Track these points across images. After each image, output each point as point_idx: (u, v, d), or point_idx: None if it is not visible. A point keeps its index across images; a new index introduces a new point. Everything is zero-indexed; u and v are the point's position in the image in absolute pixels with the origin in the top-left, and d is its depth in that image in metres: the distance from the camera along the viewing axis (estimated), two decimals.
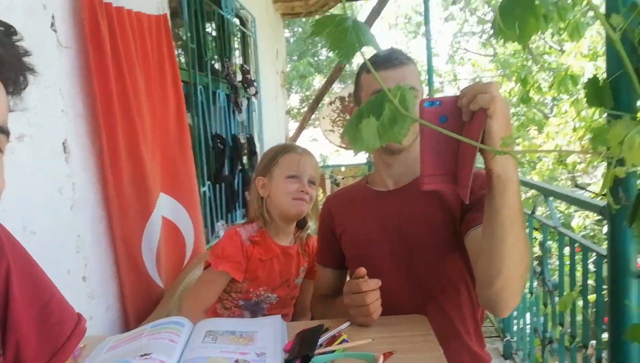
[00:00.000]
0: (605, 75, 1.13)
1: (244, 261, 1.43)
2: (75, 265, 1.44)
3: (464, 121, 0.83)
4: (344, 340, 1.00)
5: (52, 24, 1.42)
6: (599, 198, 4.12)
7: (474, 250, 1.04)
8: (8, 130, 0.57)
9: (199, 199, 2.15)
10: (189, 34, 2.52)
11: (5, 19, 1.22)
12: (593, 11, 0.84)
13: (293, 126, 5.98)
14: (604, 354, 1.46)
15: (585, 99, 1.09)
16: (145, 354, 0.92)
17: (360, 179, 1.42)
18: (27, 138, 1.29)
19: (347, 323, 1.09)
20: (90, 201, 1.55)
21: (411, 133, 1.16)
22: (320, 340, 1.00)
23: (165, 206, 1.91)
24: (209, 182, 2.56)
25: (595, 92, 1.05)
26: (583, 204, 1.55)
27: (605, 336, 1.20)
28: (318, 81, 11.82)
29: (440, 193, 1.18)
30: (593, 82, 1.07)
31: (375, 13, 4.76)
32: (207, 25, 3.00)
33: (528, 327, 2.19)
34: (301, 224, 1.54)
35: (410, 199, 1.21)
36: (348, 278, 1.23)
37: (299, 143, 5.59)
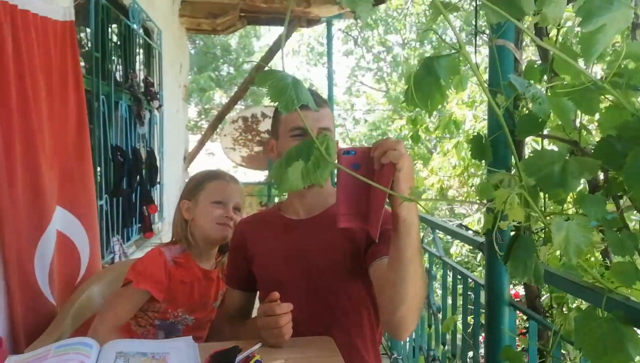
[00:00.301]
0: (486, 132, 1.33)
1: (165, 281, 1.43)
2: None
3: (375, 170, 0.96)
4: (257, 361, 1.05)
5: None
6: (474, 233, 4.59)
7: (378, 279, 1.15)
8: None
9: (96, 214, 2.06)
10: (93, 42, 2.43)
11: None
12: (482, 90, 1.02)
13: (191, 138, 5.87)
14: None
15: (469, 152, 1.29)
16: None
17: (274, 205, 1.49)
18: None
19: (259, 345, 1.13)
20: None
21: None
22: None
23: (61, 220, 1.81)
24: (106, 195, 2.46)
25: (478, 148, 1.25)
26: (465, 239, 1.76)
27: (481, 352, 1.38)
28: (218, 96, 11.72)
29: (349, 228, 1.28)
30: (477, 139, 1.26)
31: (278, 43, 4.91)
32: (112, 34, 2.90)
33: (414, 345, 2.38)
34: (223, 249, 1.57)
35: (319, 229, 1.29)
36: (258, 302, 1.29)
37: (199, 158, 5.50)
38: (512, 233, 1.16)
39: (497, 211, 1.02)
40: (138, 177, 2.87)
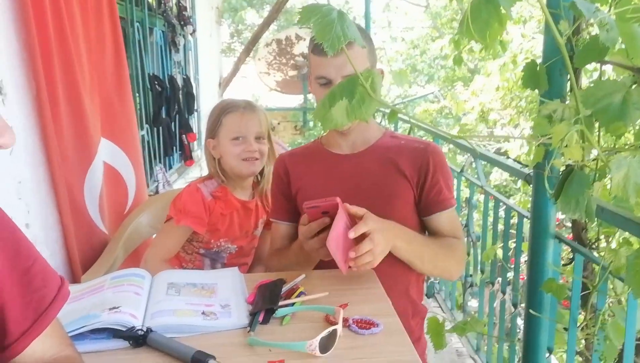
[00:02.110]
0: (540, 60, 1.24)
1: (205, 215, 1.47)
2: (17, 212, 1.39)
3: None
4: (301, 293, 1.08)
5: None
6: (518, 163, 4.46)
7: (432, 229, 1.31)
8: None
9: (139, 144, 2.09)
10: None
11: None
12: (542, 12, 0.93)
13: (225, 61, 5.79)
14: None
15: (516, 74, 1.20)
16: (114, 307, 0.94)
17: (315, 140, 1.47)
18: None
19: (303, 276, 1.16)
20: (30, 146, 1.47)
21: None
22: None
23: (107, 152, 1.85)
24: (147, 125, 2.49)
25: (531, 75, 1.17)
26: (510, 170, 1.71)
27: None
28: (250, 16, 11.39)
29: (396, 162, 1.28)
30: (531, 66, 1.18)
31: None
32: None
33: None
34: (260, 177, 1.58)
35: (367, 163, 1.30)
36: None
37: (234, 82, 5.44)
38: (564, 168, 1.11)
39: (552, 147, 0.97)
40: (176, 105, 2.87)
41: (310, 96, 5.95)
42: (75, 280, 1.53)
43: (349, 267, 1.06)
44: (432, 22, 12.11)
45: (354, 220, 1.08)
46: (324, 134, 1.43)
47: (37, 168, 1.51)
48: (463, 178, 2.25)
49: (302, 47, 5.13)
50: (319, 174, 1.34)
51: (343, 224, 1.04)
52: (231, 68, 5.21)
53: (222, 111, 1.50)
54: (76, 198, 1.63)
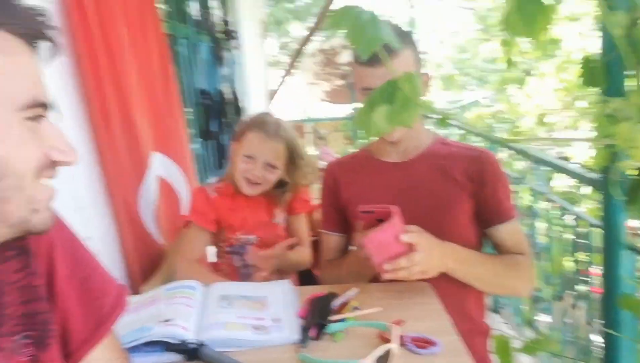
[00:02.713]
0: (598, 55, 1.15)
1: (211, 211, 1.53)
2: (77, 225, 1.43)
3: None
4: (354, 308, 1.04)
5: None
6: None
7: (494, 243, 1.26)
8: (51, 104, 0.59)
9: (191, 157, 2.12)
10: None
11: None
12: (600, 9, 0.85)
13: (272, 74, 5.85)
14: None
15: (580, 78, 1.13)
16: (167, 320, 0.94)
17: (362, 148, 1.43)
18: None
19: (356, 290, 1.12)
20: (86, 162, 1.51)
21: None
22: (332, 305, 1.04)
23: (159, 165, 1.88)
24: (198, 139, 2.53)
25: (589, 72, 1.09)
26: (574, 175, 1.60)
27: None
28: (296, 28, 11.53)
29: (448, 170, 1.22)
30: (588, 62, 1.09)
31: None
32: None
33: None
34: (280, 185, 1.56)
35: (419, 171, 1.26)
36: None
37: (281, 95, 5.49)
38: (635, 171, 1.02)
39: (618, 149, 0.89)
40: (225, 118, 2.91)
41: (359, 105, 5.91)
42: (134, 290, 1.55)
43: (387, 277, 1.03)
44: (480, 25, 11.83)
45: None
46: (374, 142, 1.39)
47: (94, 183, 1.55)
48: (524, 186, 2.13)
49: (348, 55, 5.12)
50: (368, 183, 1.30)
51: (392, 232, 1.00)
52: (278, 80, 5.27)
53: (251, 125, 1.52)
54: (132, 210, 1.67)
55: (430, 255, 1.05)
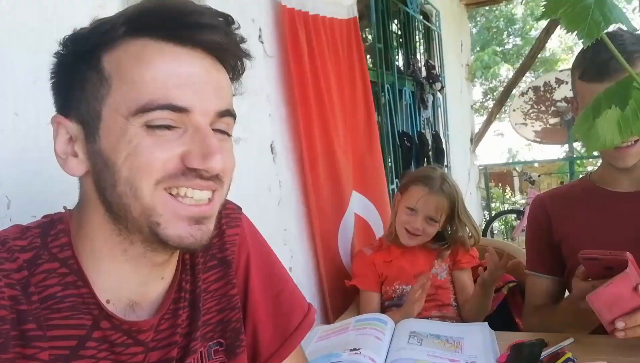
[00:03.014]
0: None
1: (371, 271, 1.56)
2: (282, 257, 1.54)
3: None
4: (568, 359, 0.88)
5: (260, 36, 1.55)
6: None
7: None
8: (235, 113, 0.60)
9: (388, 197, 2.15)
10: (375, 34, 2.55)
11: None
12: None
13: (477, 120, 5.65)
14: None
15: None
16: (355, 349, 0.93)
17: (580, 178, 1.24)
18: (241, 141, 1.43)
19: (571, 340, 0.95)
20: (294, 198, 1.66)
21: None
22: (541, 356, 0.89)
23: (357, 204, 1.95)
24: (397, 180, 2.56)
25: None
26: None
27: None
28: (505, 70, 11.06)
29: None
30: None
31: None
32: (393, 24, 3.00)
33: None
34: (439, 239, 1.57)
35: None
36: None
37: (488, 139, 5.24)
38: None
39: None
40: (425, 160, 2.90)
41: (576, 145, 5.28)
42: (328, 321, 1.61)
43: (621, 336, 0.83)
44: None
45: None
46: (596, 170, 1.20)
47: (300, 219, 1.68)
48: None
49: (564, 91, 4.65)
50: (592, 217, 1.10)
51: (627, 285, 0.81)
52: (484, 124, 5.06)
53: (416, 179, 1.56)
54: (331, 246, 1.75)
55: None
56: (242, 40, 0.60)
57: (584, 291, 0.89)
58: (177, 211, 0.55)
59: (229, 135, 0.60)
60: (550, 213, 1.19)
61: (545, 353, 0.90)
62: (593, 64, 0.99)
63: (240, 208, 0.76)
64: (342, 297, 1.70)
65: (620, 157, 1.03)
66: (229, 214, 0.73)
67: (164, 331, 0.62)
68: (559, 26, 0.62)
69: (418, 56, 3.28)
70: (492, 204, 6.14)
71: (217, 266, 0.70)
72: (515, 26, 12.46)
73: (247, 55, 0.61)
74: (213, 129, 0.56)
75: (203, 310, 0.67)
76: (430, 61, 3.30)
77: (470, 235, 1.56)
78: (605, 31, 0.64)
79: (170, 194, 0.55)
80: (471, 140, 4.80)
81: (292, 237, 1.62)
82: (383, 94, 2.55)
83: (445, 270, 1.56)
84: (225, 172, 0.58)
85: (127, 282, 0.59)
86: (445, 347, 0.97)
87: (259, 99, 1.53)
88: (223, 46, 0.57)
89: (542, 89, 4.72)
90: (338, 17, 1.98)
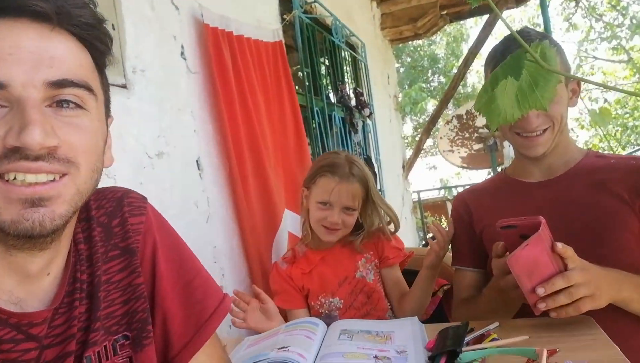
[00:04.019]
0: None
1: (291, 287, 1.41)
2: (213, 275, 1.49)
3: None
4: (494, 339, 0.89)
5: (182, 53, 1.54)
6: None
7: None
8: (89, 85, 0.55)
9: None
10: (302, 58, 2.60)
11: (140, 49, 1.32)
12: None
13: (409, 153, 5.85)
14: None
15: None
16: (283, 347, 0.89)
17: (498, 173, 1.30)
18: (164, 156, 1.39)
19: (496, 324, 0.97)
20: (223, 215, 1.62)
21: (554, 134, 1.07)
22: (466, 340, 0.90)
23: (291, 222, 1.93)
24: None
25: None
26: None
27: None
28: (431, 106, 11.65)
29: (608, 185, 1.05)
30: None
31: (487, 28, 4.56)
32: (319, 50, 3.09)
33: None
34: (359, 228, 1.43)
35: (570, 189, 1.09)
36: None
37: (416, 168, 5.42)
38: None
39: None
40: None
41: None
42: None
43: (542, 308, 0.85)
44: (639, 76, 10.71)
45: (559, 259, 0.87)
46: (510, 165, 1.26)
47: (231, 236, 1.64)
48: None
49: (484, 119, 4.94)
50: (507, 207, 1.15)
51: (541, 249, 0.84)
52: (413, 151, 5.25)
53: (320, 170, 1.40)
54: (265, 265, 1.71)
55: (594, 274, 0.87)
56: (84, 5, 0.55)
57: (503, 268, 0.91)
58: (8, 195, 0.49)
59: (83, 108, 0.54)
60: (470, 208, 1.23)
61: (472, 336, 0.91)
62: (503, 58, 1.06)
63: (145, 198, 0.73)
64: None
65: (530, 146, 1.09)
66: (132, 203, 0.70)
67: (60, 326, 0.58)
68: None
69: (346, 83, 3.39)
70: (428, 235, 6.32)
71: (120, 255, 0.66)
72: (438, 65, 13.26)
73: (95, 18, 0.56)
74: (57, 102, 0.52)
75: (106, 302, 0.63)
76: (358, 88, 3.40)
77: (389, 221, 1.44)
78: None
79: (2, 179, 0.49)
80: (403, 167, 4.96)
81: (223, 255, 1.57)
82: (313, 119, 2.59)
83: (372, 270, 1.42)
84: (73, 151, 0.53)
85: (4, 283, 0.54)
86: (376, 340, 0.95)
87: (183, 114, 1.50)
88: (51, 12, 0.51)
89: (464, 117, 4.99)
90: (264, 39, 2.01)
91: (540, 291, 0.83)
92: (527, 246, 0.83)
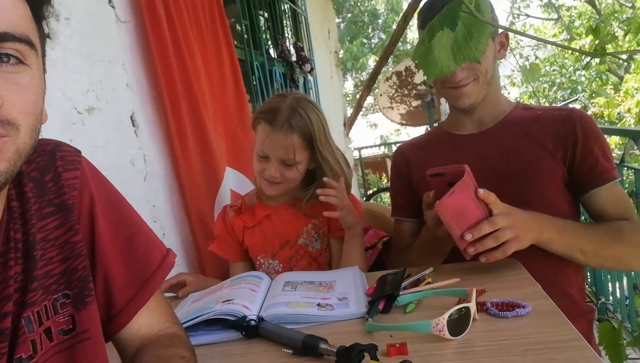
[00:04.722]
0: None
1: (230, 237, 1.36)
2: None
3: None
4: (428, 283, 0.94)
5: (110, 0, 1.44)
6: None
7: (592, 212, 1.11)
8: (29, 38, 0.52)
9: None
10: (239, 10, 2.51)
11: None
12: None
13: (350, 111, 5.89)
14: None
15: None
16: (228, 300, 0.90)
17: (434, 127, 1.35)
18: (96, 111, 1.32)
19: (431, 269, 1.02)
20: (162, 173, 1.57)
21: (480, 86, 1.11)
22: (403, 285, 0.94)
23: (233, 179, 1.92)
24: None
25: None
26: None
27: None
28: (372, 61, 11.68)
29: (533, 135, 1.11)
30: None
31: None
32: (258, 5, 2.99)
33: (626, 285, 2.01)
34: (311, 180, 1.31)
35: (499, 140, 1.15)
36: None
37: (357, 126, 5.48)
38: None
39: None
40: None
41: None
42: None
43: (472, 252, 0.90)
44: (567, 34, 11.19)
45: (484, 205, 0.92)
46: (446, 119, 1.31)
47: (171, 195, 1.60)
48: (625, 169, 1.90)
49: (422, 75, 5.03)
50: (442, 159, 1.19)
51: (467, 196, 0.89)
52: (354, 107, 5.29)
53: (259, 116, 1.27)
54: (207, 223, 1.69)
55: (517, 218, 0.92)
56: None
57: (435, 218, 0.96)
58: None
59: (24, 64, 0.52)
60: (408, 160, 1.27)
61: (408, 281, 0.96)
62: (429, 12, 1.08)
63: (79, 151, 0.69)
64: (220, 275, 1.66)
65: (457, 96, 1.14)
66: (65, 157, 0.66)
67: None
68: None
69: (286, 37, 3.32)
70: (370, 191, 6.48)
71: (56, 212, 0.63)
72: (378, 21, 13.23)
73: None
74: None
75: (43, 261, 0.60)
76: (299, 43, 3.35)
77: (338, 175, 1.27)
78: None
79: None
80: (344, 124, 4.99)
81: (163, 214, 1.54)
82: (253, 74, 2.53)
83: (319, 238, 1.32)
84: (14, 111, 0.50)
85: None
86: (319, 290, 0.98)
87: (114, 67, 1.42)
88: None
89: (403, 73, 5.06)
90: None
91: (468, 236, 0.88)
92: (453, 193, 0.87)
